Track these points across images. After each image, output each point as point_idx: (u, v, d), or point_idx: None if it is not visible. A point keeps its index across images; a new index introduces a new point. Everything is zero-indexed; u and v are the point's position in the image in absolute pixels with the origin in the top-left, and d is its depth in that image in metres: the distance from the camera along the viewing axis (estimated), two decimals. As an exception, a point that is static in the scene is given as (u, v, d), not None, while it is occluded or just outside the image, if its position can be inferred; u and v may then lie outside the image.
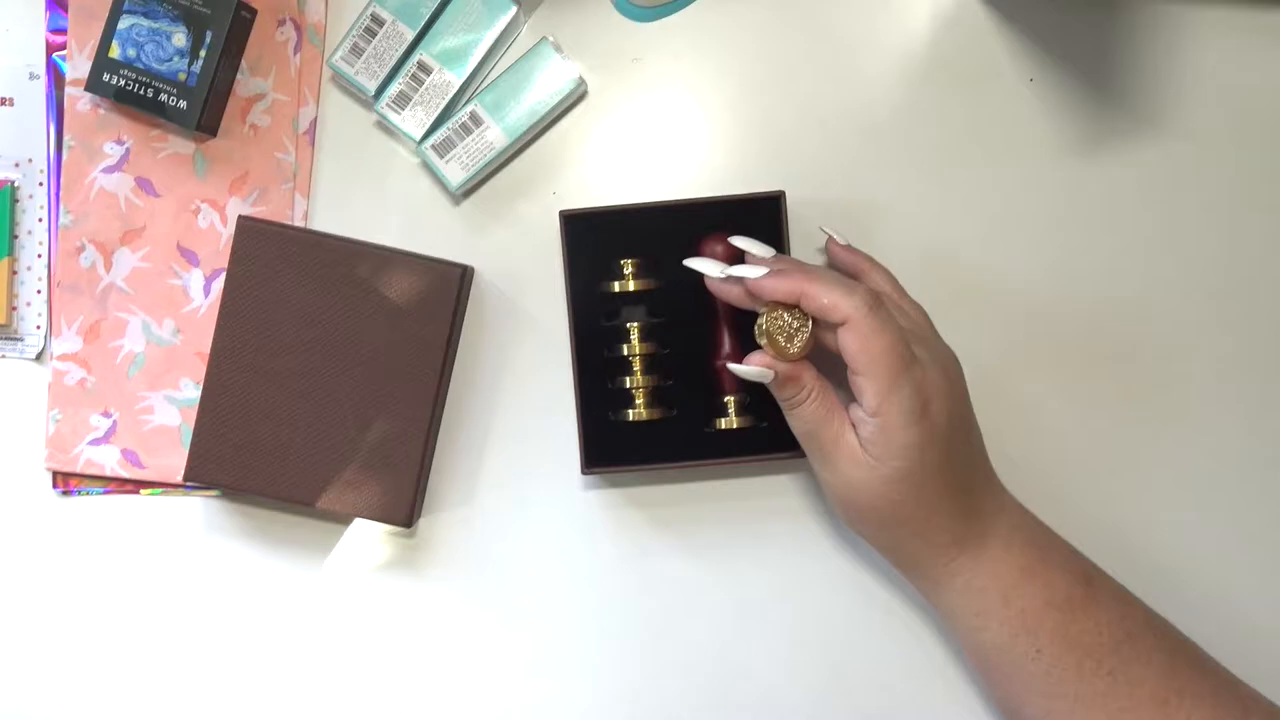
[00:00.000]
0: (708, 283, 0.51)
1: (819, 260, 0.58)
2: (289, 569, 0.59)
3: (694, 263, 0.51)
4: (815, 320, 0.48)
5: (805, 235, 0.58)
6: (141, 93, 0.57)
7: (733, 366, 0.50)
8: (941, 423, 0.48)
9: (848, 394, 0.49)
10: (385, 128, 0.59)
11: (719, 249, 0.55)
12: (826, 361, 0.50)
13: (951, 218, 0.59)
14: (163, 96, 0.57)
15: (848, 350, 0.47)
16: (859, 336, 0.46)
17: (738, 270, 0.50)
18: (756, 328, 0.49)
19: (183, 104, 0.57)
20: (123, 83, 0.57)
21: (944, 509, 0.49)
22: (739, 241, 0.52)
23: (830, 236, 0.55)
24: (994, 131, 0.59)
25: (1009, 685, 0.50)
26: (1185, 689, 0.48)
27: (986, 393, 0.53)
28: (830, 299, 0.47)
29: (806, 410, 0.49)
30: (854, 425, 0.48)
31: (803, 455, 0.52)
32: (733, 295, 0.50)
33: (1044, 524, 0.52)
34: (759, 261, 0.50)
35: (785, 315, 0.48)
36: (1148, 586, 0.52)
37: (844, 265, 0.55)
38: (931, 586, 0.51)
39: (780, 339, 0.48)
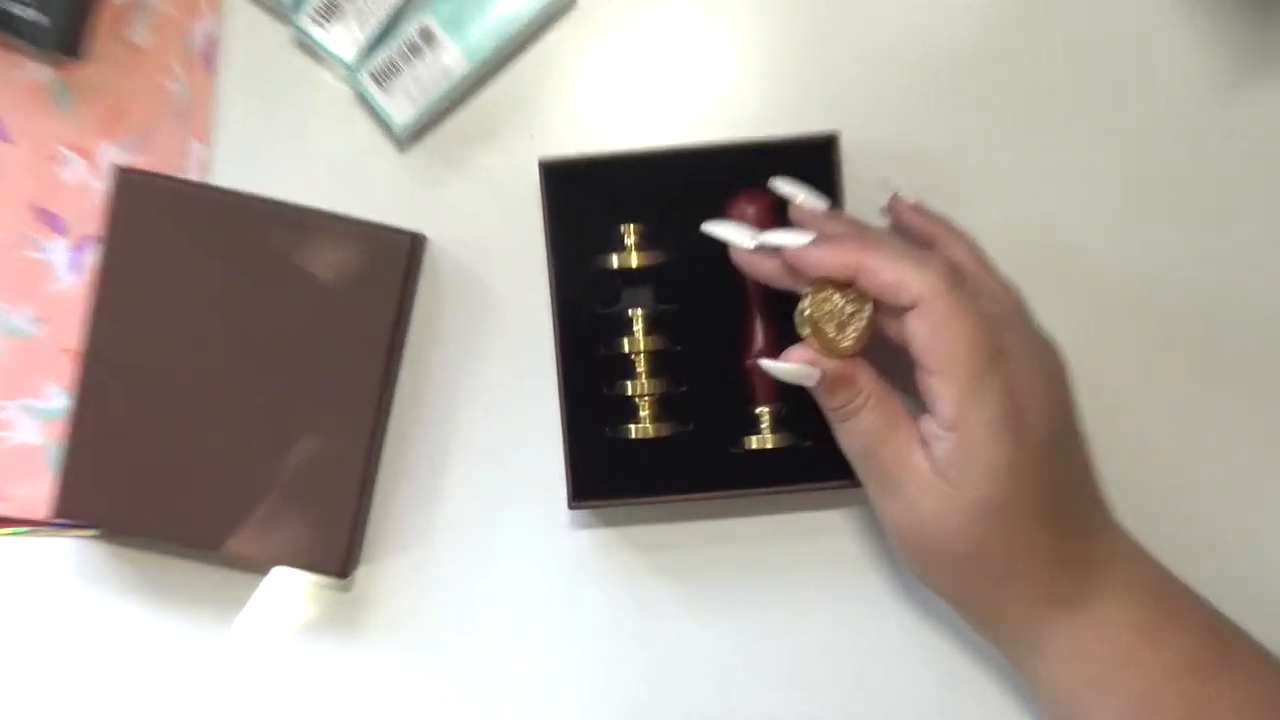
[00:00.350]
0: (734, 255, 0.48)
1: (882, 225, 0.54)
2: (188, 631, 0.55)
3: (715, 228, 0.48)
4: (875, 303, 0.45)
5: (863, 193, 0.52)
6: (-19, 1, 0.51)
7: (766, 364, 0.46)
8: (1039, 437, 0.44)
9: (916, 401, 0.45)
10: (308, 48, 0.54)
11: (750, 210, 0.50)
12: (888, 360, 0.46)
13: (1055, 174, 0.55)
14: (12, 7, 0.52)
15: (918, 342, 0.44)
16: (932, 324, 0.43)
17: (773, 237, 0.46)
18: (798, 314, 0.46)
19: (37, 15, 0.52)
20: (-46, -12, 0.51)
21: (1041, 552, 0.45)
22: (782, 185, 0.48)
23: (895, 194, 0.51)
24: (1120, 61, 0.54)
25: None
26: None
27: (1086, 397, 0.49)
28: (895, 275, 0.43)
29: (862, 422, 0.46)
30: (925, 442, 0.45)
31: (857, 484, 0.48)
32: (767, 271, 0.47)
33: (1162, 566, 0.48)
34: (804, 216, 0.48)
35: (836, 297, 0.45)
36: (1270, 624, 0.49)
37: (913, 231, 0.51)
38: (1022, 653, 0.48)
39: (828, 328, 0.45)
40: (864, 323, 0.45)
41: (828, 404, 0.47)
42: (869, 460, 0.46)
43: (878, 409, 0.46)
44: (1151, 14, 0.54)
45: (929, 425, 0.45)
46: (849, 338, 0.45)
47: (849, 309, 0.46)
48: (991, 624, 0.48)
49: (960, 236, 0.50)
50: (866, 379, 0.46)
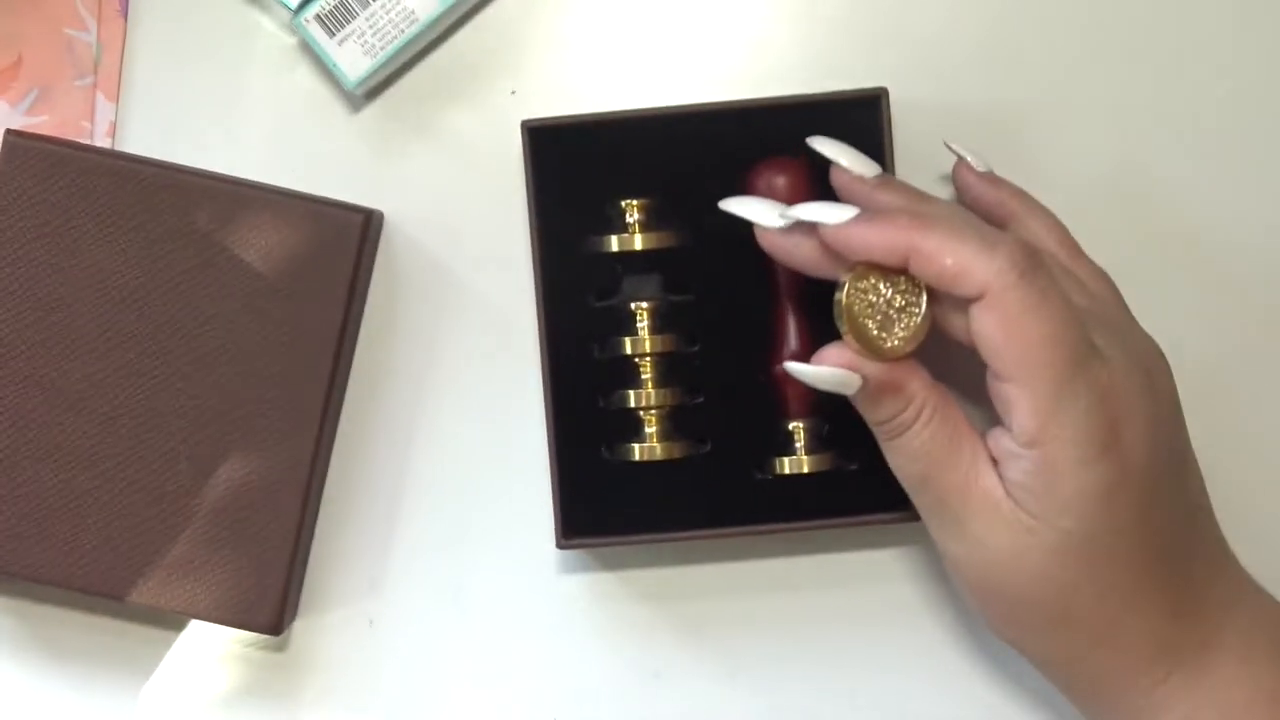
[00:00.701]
0: (760, 238, 0.44)
1: (944, 195, 0.50)
2: (86, 700, 0.51)
3: (735, 205, 0.45)
4: (932, 294, 0.42)
5: (918, 157, 0.49)
6: None
7: (793, 367, 0.43)
8: (1140, 458, 0.40)
9: (985, 412, 0.42)
10: None
11: (780, 182, 0.47)
12: (952, 361, 0.43)
13: (1148, 134, 0.51)
14: None
15: (986, 341, 0.40)
16: (1003, 319, 0.40)
17: (807, 212, 0.42)
18: (835, 305, 0.42)
19: None
20: None
21: (1146, 601, 0.42)
22: (823, 146, 0.44)
23: (961, 159, 0.48)
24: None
25: None
26: None
27: (1197, 404, 0.46)
28: (956, 259, 0.40)
29: (916, 440, 0.42)
30: (997, 462, 0.41)
31: (917, 517, 0.44)
32: (801, 256, 0.43)
33: None
34: (850, 183, 0.44)
35: (882, 285, 0.42)
36: None
37: (983, 205, 0.48)
38: None
39: (870, 325, 0.42)
40: (917, 319, 0.42)
41: (872, 417, 0.43)
42: (926, 488, 0.43)
43: (934, 423, 0.42)
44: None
45: (1003, 442, 0.41)
46: (896, 336, 0.42)
47: (899, 301, 0.42)
48: (1086, 690, 0.44)
49: (1042, 212, 0.47)
50: (919, 386, 0.42)
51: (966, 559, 0.42)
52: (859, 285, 0.42)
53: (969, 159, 0.48)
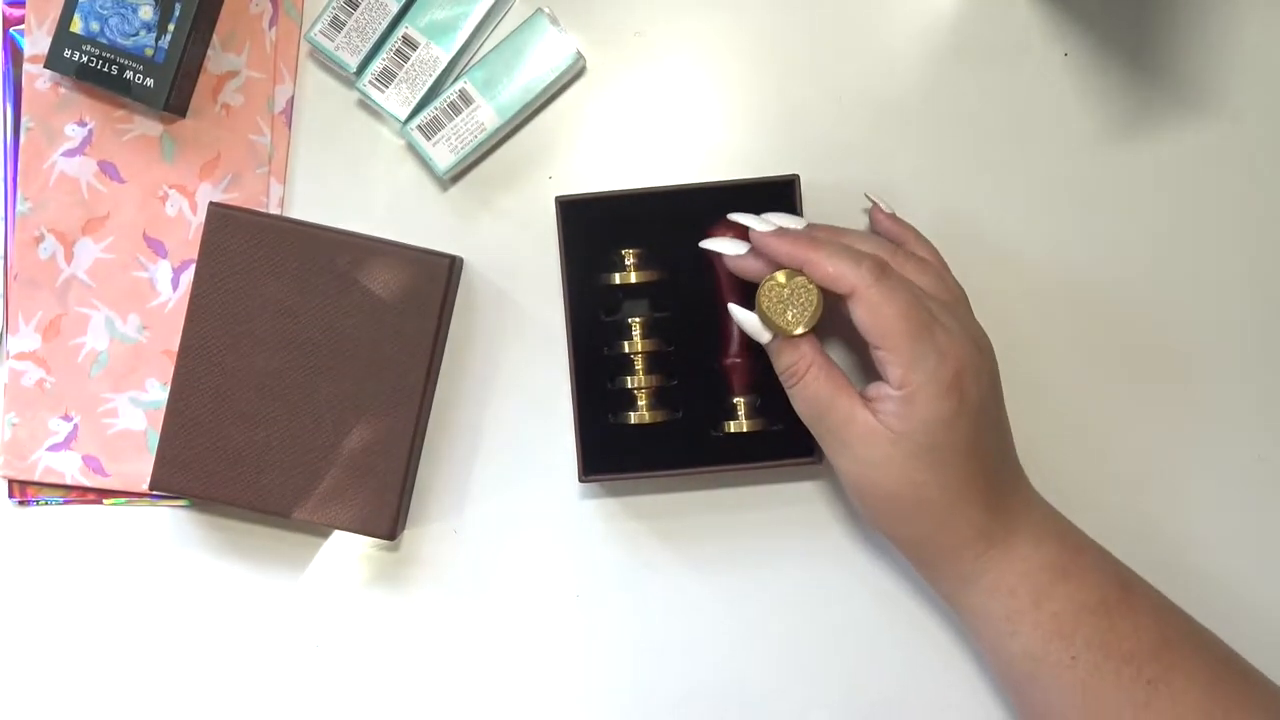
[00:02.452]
0: (728, 262, 0.51)
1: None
2: (263, 584, 0.58)
3: (712, 244, 0.51)
4: (824, 291, 0.48)
5: (822, 221, 0.54)
6: (105, 70, 0.56)
7: (733, 309, 0.50)
8: (973, 399, 0.48)
9: (869, 374, 0.49)
10: (368, 107, 0.58)
11: (729, 237, 0.53)
12: (858, 340, 0.49)
13: (980, 201, 0.58)
14: (128, 74, 0.56)
15: (860, 322, 0.48)
16: (868, 307, 0.47)
17: (753, 223, 0.50)
18: (756, 297, 0.49)
19: (150, 82, 0.56)
20: (85, 59, 0.56)
21: (971, 498, 0.49)
22: (775, 220, 0.51)
23: (875, 204, 0.55)
24: (1025, 110, 0.58)
25: (1042, 697, 0.50)
26: (1232, 704, 0.48)
27: (1013, 382, 0.52)
28: (835, 268, 0.47)
29: (809, 388, 0.49)
30: (872, 401, 0.48)
31: (820, 460, 0.52)
32: (751, 269, 0.51)
33: (1073, 524, 0.52)
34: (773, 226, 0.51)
35: (786, 285, 0.48)
36: (1185, 595, 0.52)
37: (889, 236, 0.54)
38: (958, 586, 0.51)
39: (771, 309, 0.48)
40: (808, 310, 0.48)
41: (778, 367, 0.50)
42: (819, 423, 0.50)
43: (820, 378, 0.49)
44: (1049, 70, 0.58)
45: (880, 389, 0.48)
46: (788, 320, 0.48)
47: (799, 296, 0.48)
48: (932, 562, 0.51)
49: (924, 240, 0.54)
50: (809, 347, 0.49)
51: (850, 469, 0.50)
52: (769, 284, 0.49)
53: (880, 203, 0.55)
